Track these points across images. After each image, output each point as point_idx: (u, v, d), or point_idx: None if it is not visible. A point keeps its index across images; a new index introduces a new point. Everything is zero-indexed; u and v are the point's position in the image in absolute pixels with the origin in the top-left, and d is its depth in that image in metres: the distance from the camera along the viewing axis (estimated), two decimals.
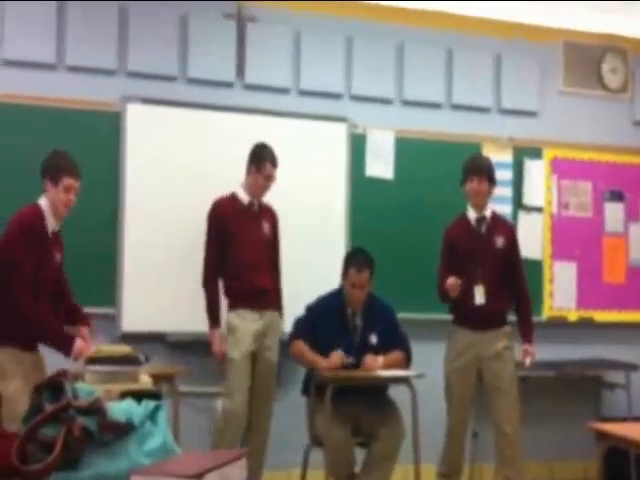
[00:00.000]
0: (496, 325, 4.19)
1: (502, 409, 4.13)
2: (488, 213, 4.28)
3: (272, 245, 4.34)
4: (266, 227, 4.28)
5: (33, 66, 4.42)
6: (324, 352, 3.97)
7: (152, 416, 1.79)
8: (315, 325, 4.07)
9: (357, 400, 3.97)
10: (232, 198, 4.23)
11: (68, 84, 4.47)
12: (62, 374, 1.75)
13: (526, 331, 4.25)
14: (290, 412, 4.50)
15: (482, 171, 4.21)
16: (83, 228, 4.22)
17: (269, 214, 4.34)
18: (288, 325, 4.29)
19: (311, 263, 4.71)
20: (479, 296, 4.13)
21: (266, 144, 4.25)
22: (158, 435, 1.76)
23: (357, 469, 4.00)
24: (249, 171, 4.22)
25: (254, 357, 4.16)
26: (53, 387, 1.75)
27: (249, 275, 4.15)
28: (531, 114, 5.30)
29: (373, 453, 3.96)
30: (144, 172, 4.50)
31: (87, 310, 4.16)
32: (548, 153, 5.27)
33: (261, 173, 4.19)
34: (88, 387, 1.78)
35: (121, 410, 1.74)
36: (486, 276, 4.15)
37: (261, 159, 4.19)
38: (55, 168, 3.54)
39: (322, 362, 3.93)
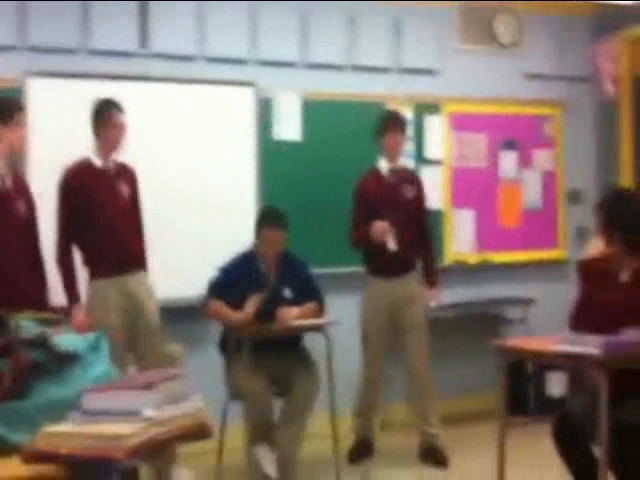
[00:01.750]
0: (407, 270, 4.47)
1: (414, 345, 4.41)
2: (399, 165, 4.57)
3: (132, 206, 4.12)
4: (124, 189, 4.06)
5: None
6: (239, 309, 4.05)
7: (94, 347, 1.92)
8: (229, 284, 4.15)
9: (273, 352, 4.11)
10: (85, 163, 4.00)
11: None
12: (5, 311, 1.85)
13: (431, 276, 4.57)
14: (205, 370, 4.63)
15: (402, 124, 4.53)
16: None
17: (127, 174, 4.11)
18: (170, 292, 4.38)
19: (222, 230, 4.76)
20: (391, 242, 4.37)
21: (105, 97, 4.07)
22: (101, 363, 1.90)
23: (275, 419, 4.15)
24: (97, 130, 3.99)
25: (132, 323, 3.98)
26: None
27: (110, 241, 3.94)
28: (429, 72, 5.54)
29: (291, 402, 4.12)
30: (49, 146, 4.42)
31: None
32: (446, 108, 5.54)
33: (110, 123, 3.97)
34: (30, 322, 1.89)
35: (66, 341, 1.87)
36: (397, 224, 4.38)
37: (106, 110, 4.01)
38: (5, 108, 3.51)
39: (238, 315, 4.03)
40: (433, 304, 4.55)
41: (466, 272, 5.55)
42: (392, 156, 4.51)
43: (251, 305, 4.03)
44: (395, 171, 4.54)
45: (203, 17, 4.90)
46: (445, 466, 4.29)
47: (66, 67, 4.57)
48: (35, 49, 4.54)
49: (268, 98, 5.03)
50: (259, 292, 4.07)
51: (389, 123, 4.51)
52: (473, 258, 5.59)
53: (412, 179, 4.62)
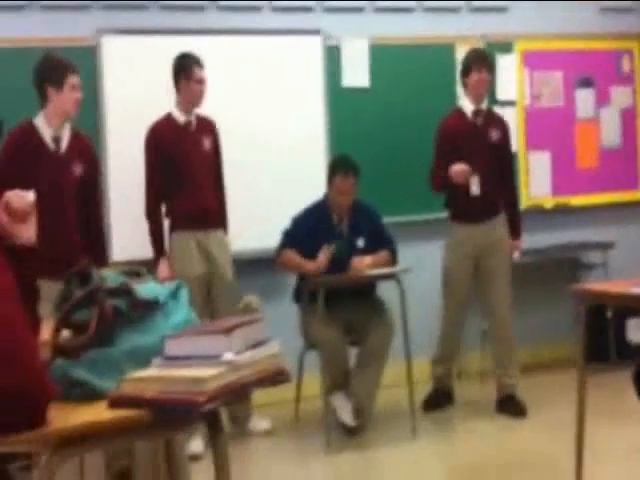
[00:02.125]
0: (492, 215, 4.36)
1: (498, 293, 4.34)
2: (484, 106, 4.43)
3: (214, 161, 4.23)
4: (206, 143, 4.18)
5: (5, 8, 4.38)
6: (312, 259, 4.11)
7: (174, 294, 1.97)
8: (302, 234, 4.21)
9: (347, 301, 4.16)
10: (168, 119, 4.13)
11: (41, 22, 4.44)
12: (89, 263, 1.91)
13: (514, 227, 4.45)
14: (281, 322, 4.70)
15: (488, 63, 4.37)
16: None
17: (208, 128, 4.22)
18: (246, 243, 4.40)
19: (294, 177, 4.79)
20: (475, 186, 4.28)
21: (186, 52, 4.17)
22: (181, 310, 1.94)
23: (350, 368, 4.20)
24: (179, 85, 4.12)
25: (209, 278, 4.11)
26: (81, 276, 1.92)
27: (193, 196, 4.07)
28: (500, 10, 5.37)
29: (365, 349, 4.17)
30: (124, 102, 4.53)
31: None
32: (519, 47, 5.36)
33: (192, 79, 4.09)
34: (113, 273, 1.95)
35: (147, 290, 1.92)
36: (481, 167, 4.28)
37: (187, 65, 4.11)
38: (55, 71, 3.51)
39: (311, 264, 4.09)
40: (515, 255, 4.45)
41: (543, 216, 5.41)
42: (477, 96, 4.36)
43: (323, 255, 4.07)
44: (480, 112, 4.39)
45: None
46: (523, 416, 4.25)
47: (138, 23, 4.61)
48: (107, 7, 4.59)
49: (336, 45, 4.98)
50: (331, 243, 4.10)
51: (474, 61, 4.34)
52: (550, 202, 5.44)
53: (498, 122, 4.46)
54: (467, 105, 4.40)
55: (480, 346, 4.85)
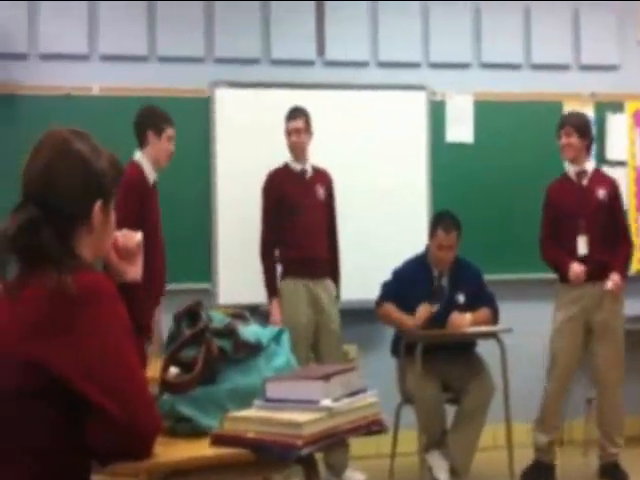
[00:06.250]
0: (601, 277, 4.16)
1: (607, 356, 4.15)
2: (589, 167, 4.33)
3: (328, 210, 4.39)
4: (321, 192, 4.34)
5: (127, 59, 4.70)
6: (411, 313, 4.09)
7: (277, 338, 2.02)
8: (402, 287, 4.20)
9: (446, 357, 4.10)
10: (285, 168, 4.34)
11: (160, 74, 4.73)
12: (198, 303, 1.99)
13: (616, 263, 4.19)
14: (379, 374, 4.66)
15: (568, 125, 4.27)
16: (178, 207, 4.51)
17: (323, 178, 4.40)
18: (347, 294, 4.43)
19: (396, 230, 4.83)
20: (582, 246, 4.17)
21: (292, 106, 4.35)
22: (283, 354, 1.99)
23: (447, 426, 4.12)
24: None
25: (316, 327, 4.22)
26: (190, 315, 1.99)
27: (305, 243, 4.19)
28: (611, 68, 5.27)
29: (464, 408, 4.07)
30: (235, 152, 4.73)
31: (183, 286, 4.40)
32: (630, 106, 5.25)
33: (287, 131, 4.30)
34: (219, 314, 2.02)
35: (251, 332, 1.97)
36: (589, 227, 4.18)
37: (285, 119, 4.31)
38: (157, 120, 3.82)
39: (409, 320, 4.07)
40: (609, 284, 4.10)
41: None
42: (567, 158, 4.30)
43: (423, 312, 4.05)
44: (584, 173, 4.29)
45: (376, 23, 4.97)
46: None
47: (249, 77, 4.81)
48: (221, 60, 4.82)
49: (440, 100, 5.03)
50: (433, 302, 4.08)
51: (558, 126, 4.30)
52: None
53: (606, 181, 4.34)
54: (570, 168, 4.32)
55: (585, 414, 4.64)
